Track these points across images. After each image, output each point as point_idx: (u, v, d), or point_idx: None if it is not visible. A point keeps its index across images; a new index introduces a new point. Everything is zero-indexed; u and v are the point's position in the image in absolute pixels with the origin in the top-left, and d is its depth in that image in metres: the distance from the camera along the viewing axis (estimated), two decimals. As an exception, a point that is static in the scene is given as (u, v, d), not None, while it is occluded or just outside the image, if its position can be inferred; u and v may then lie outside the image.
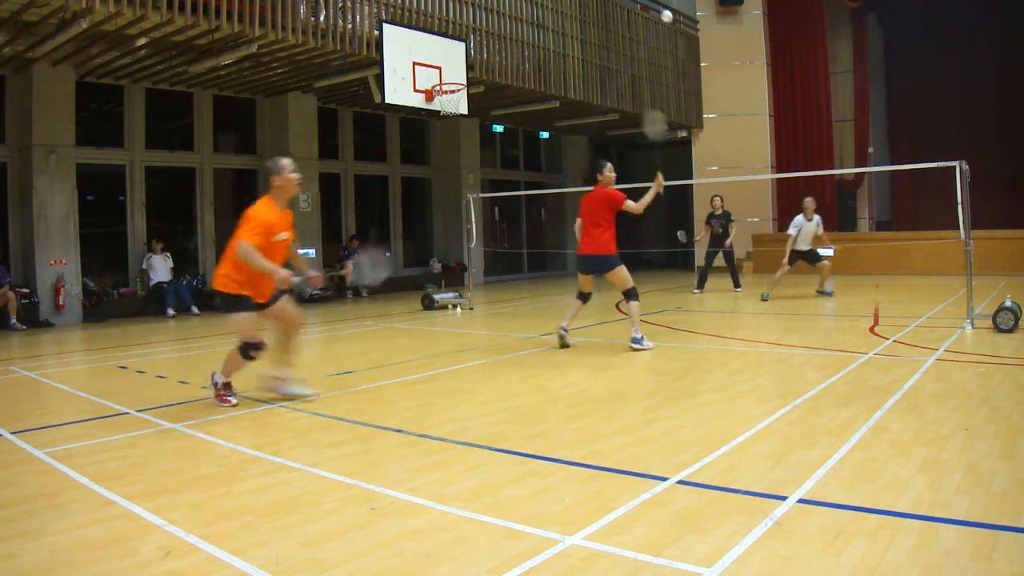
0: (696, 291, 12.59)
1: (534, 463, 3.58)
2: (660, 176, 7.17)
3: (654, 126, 10.14)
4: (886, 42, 19.61)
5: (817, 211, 11.47)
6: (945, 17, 17.61)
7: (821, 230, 11.38)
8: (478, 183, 16.93)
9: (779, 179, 18.12)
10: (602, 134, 19.54)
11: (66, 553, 2.63)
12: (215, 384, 5.03)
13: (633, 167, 23.74)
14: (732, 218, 12.73)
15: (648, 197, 7.02)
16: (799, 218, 11.32)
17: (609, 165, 7.23)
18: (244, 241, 4.64)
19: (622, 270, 6.99)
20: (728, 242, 12.43)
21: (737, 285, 12.59)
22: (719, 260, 12.88)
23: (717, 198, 12.66)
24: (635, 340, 6.92)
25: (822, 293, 11.51)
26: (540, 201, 20.43)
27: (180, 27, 8.93)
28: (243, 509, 3.04)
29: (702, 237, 12.79)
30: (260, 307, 4.99)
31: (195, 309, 11.73)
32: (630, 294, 7.03)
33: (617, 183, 7.32)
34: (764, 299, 11.11)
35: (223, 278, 4.87)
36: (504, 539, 2.67)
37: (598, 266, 7.07)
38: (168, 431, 4.39)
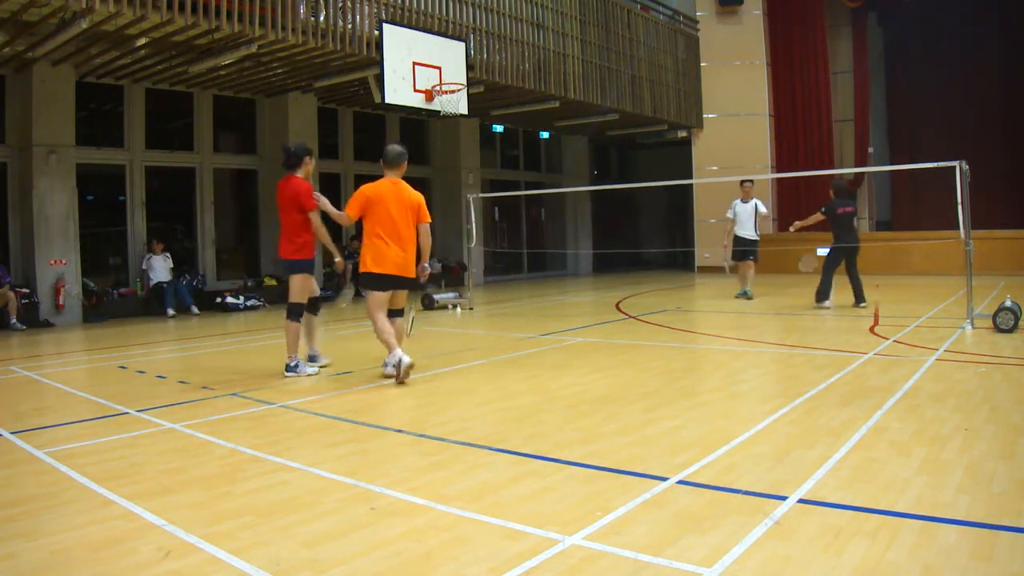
0: (827, 303, 9.67)
1: (534, 463, 3.58)
2: None
3: None
4: (886, 42, 19.57)
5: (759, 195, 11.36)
6: (945, 17, 17.58)
7: (764, 210, 11.35)
8: (478, 183, 16.91)
9: (779, 179, 18.11)
10: (602, 134, 19.53)
11: (66, 553, 2.63)
12: None
13: (633, 167, 23.77)
14: (853, 202, 9.10)
15: None
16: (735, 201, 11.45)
17: None
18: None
19: None
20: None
21: (860, 299, 9.51)
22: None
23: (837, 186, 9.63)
24: None
25: (740, 295, 11.36)
26: (540, 201, 20.43)
27: (180, 27, 8.92)
28: (243, 509, 3.04)
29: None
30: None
31: (195, 309, 11.72)
32: None
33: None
34: (747, 297, 11.25)
35: None
36: (504, 539, 2.67)
37: None
38: (168, 431, 4.38)
